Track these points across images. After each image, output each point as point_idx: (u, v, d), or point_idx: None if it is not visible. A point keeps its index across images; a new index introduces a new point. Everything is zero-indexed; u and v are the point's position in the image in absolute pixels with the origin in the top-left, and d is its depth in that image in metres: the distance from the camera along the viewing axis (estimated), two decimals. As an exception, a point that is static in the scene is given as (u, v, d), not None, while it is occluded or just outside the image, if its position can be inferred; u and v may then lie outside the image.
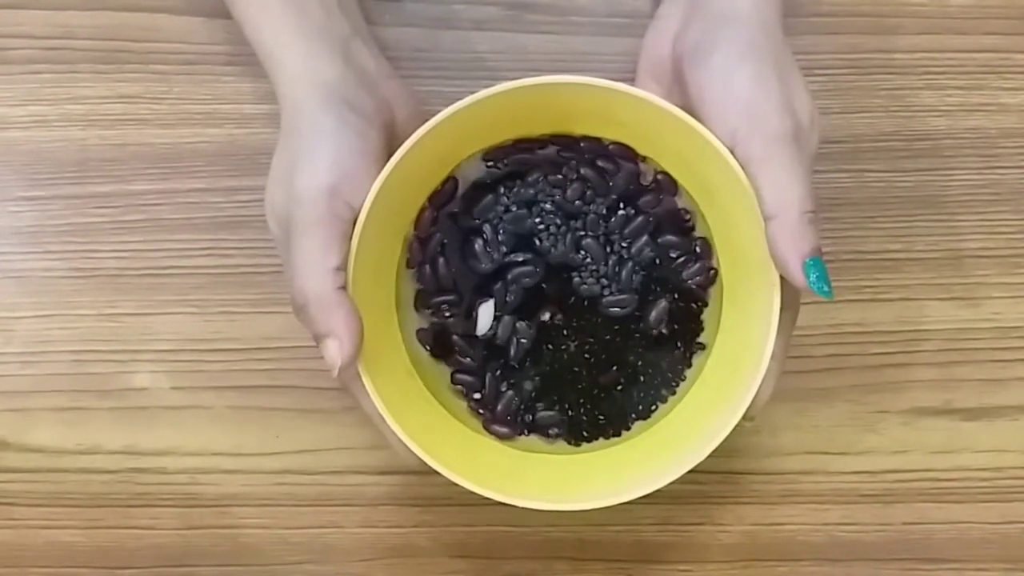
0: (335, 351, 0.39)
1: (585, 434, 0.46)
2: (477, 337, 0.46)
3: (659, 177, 0.46)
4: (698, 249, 0.46)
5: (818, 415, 0.53)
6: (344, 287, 0.40)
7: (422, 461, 0.41)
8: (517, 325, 0.46)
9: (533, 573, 0.53)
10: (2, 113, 0.53)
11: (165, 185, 0.53)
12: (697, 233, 0.46)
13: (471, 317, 0.46)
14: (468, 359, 0.46)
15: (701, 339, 0.46)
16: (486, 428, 0.46)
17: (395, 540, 0.52)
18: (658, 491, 0.52)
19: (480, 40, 0.53)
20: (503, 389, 0.46)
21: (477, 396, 0.46)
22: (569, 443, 0.47)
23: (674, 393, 0.46)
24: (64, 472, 0.52)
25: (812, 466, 0.53)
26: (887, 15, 0.54)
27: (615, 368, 0.46)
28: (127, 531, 0.52)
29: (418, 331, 0.46)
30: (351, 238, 0.41)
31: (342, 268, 0.40)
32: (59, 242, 0.52)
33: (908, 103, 0.53)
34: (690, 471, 0.52)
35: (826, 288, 0.40)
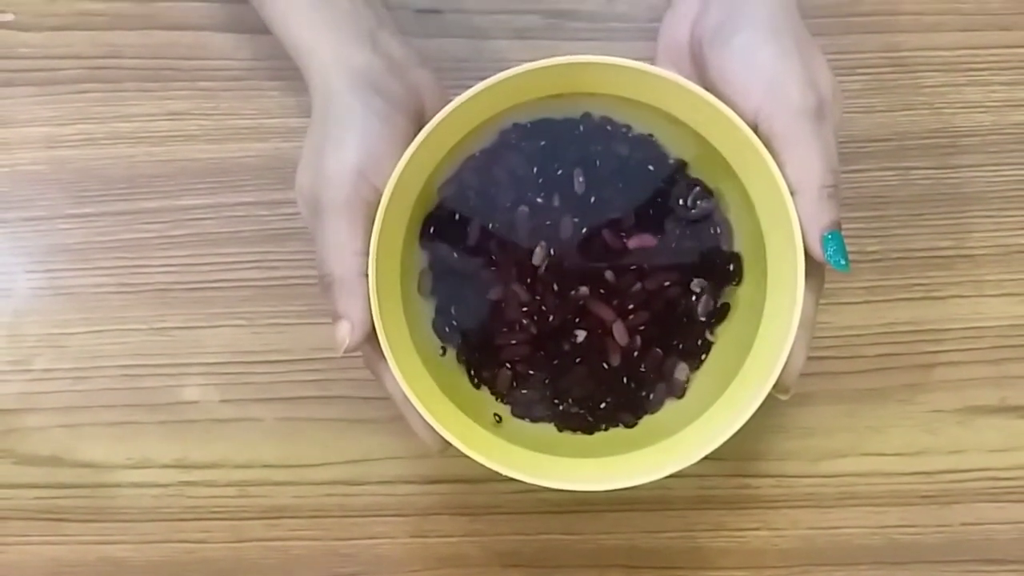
0: (346, 333, 0.42)
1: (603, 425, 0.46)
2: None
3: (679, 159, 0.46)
4: (718, 230, 0.45)
5: (871, 416, 0.52)
6: (366, 274, 0.42)
7: (444, 443, 0.42)
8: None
9: (586, 581, 0.52)
10: (51, 132, 0.53)
11: (213, 199, 0.53)
12: (719, 215, 0.46)
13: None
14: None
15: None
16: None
17: (446, 550, 0.52)
18: (712, 496, 0.52)
19: (521, 49, 0.54)
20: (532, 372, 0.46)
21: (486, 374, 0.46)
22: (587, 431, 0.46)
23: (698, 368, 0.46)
24: (115, 487, 0.52)
25: (867, 468, 0.52)
26: (928, 12, 0.54)
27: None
28: (178, 545, 0.52)
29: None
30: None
31: (365, 252, 0.41)
32: (108, 258, 0.53)
33: (952, 100, 0.53)
34: (744, 475, 0.52)
35: (842, 261, 0.41)
